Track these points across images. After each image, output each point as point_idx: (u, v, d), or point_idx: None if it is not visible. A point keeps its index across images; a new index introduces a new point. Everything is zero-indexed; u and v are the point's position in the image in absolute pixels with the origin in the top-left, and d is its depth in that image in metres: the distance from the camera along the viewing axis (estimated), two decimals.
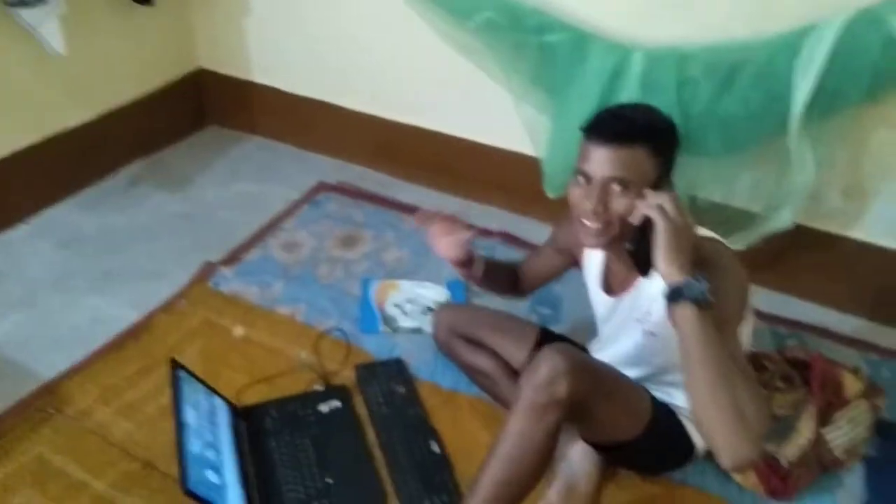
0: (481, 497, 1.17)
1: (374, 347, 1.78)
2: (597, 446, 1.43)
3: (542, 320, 1.85)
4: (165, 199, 2.37)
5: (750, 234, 1.84)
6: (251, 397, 1.62)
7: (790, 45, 1.56)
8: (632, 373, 1.35)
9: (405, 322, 1.85)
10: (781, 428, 1.48)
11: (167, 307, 1.88)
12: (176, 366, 1.41)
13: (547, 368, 1.15)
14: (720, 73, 1.65)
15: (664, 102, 1.72)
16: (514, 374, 1.56)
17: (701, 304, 1.02)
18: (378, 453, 1.51)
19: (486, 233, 2.20)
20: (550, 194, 2.02)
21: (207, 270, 2.00)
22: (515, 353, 1.57)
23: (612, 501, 1.44)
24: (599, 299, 1.40)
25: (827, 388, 1.54)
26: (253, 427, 1.53)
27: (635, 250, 1.14)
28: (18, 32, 1.98)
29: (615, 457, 1.45)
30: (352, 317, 1.88)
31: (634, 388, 1.33)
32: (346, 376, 1.69)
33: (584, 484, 1.41)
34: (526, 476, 1.18)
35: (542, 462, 1.19)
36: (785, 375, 1.57)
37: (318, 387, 1.64)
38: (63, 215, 2.27)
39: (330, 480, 1.43)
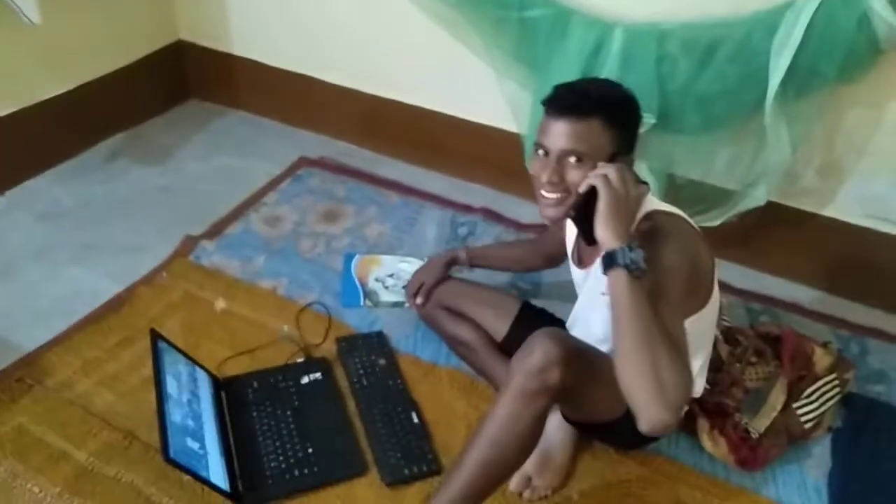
0: (465, 477, 1.18)
1: (356, 321, 1.80)
2: (575, 424, 1.46)
3: (522, 294, 1.87)
4: (145, 172, 2.35)
5: (725, 211, 1.87)
6: (232, 369, 1.63)
7: (767, 23, 1.58)
8: (605, 347, 1.37)
9: (386, 296, 1.86)
10: (753, 400, 1.52)
11: (148, 280, 1.88)
12: (156, 336, 1.42)
13: (540, 355, 1.16)
14: (698, 50, 1.67)
15: (643, 78, 1.74)
16: (495, 345, 1.59)
17: (632, 271, 1.05)
18: (358, 423, 1.53)
19: (468, 209, 2.22)
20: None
21: (188, 244, 2.00)
22: (497, 324, 1.60)
23: (586, 471, 1.47)
24: (574, 272, 1.43)
25: (797, 361, 1.58)
26: (234, 398, 1.54)
27: (577, 218, 1.17)
28: None
29: (591, 433, 1.48)
30: (333, 291, 1.89)
31: None
32: (327, 349, 1.71)
33: (559, 454, 1.44)
34: (511, 458, 1.20)
35: (528, 445, 1.21)
36: (757, 350, 1.61)
37: (300, 359, 1.66)
38: (42, 188, 2.24)
39: (311, 449, 1.45)
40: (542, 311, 1.63)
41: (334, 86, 2.43)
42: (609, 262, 1.08)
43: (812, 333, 1.73)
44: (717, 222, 1.87)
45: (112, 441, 1.46)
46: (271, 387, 1.57)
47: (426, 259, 1.97)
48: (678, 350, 1.05)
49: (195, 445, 1.32)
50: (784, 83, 1.60)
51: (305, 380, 1.59)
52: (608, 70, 1.77)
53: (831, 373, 1.59)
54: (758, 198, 1.80)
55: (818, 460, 1.53)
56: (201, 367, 1.53)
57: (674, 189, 1.94)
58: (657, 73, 1.73)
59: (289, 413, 1.52)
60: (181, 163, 2.41)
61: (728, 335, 1.64)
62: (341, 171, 2.38)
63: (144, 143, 2.50)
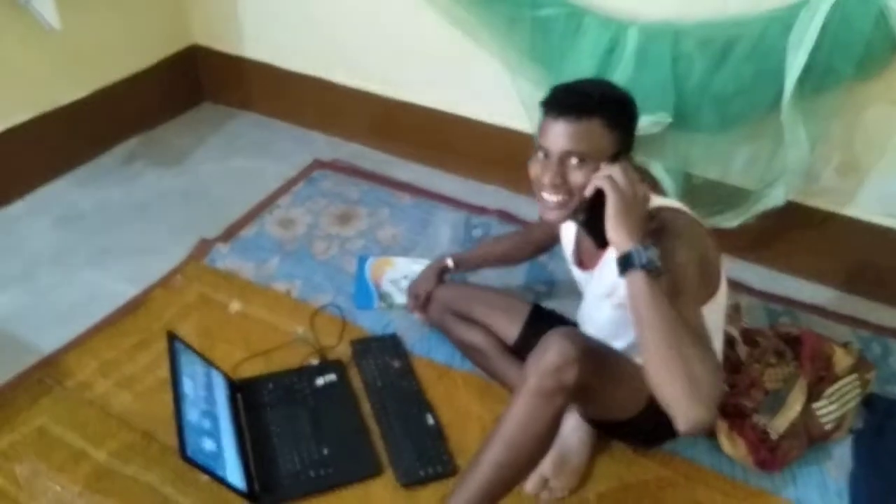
0: (481, 477, 1.17)
1: (370, 323, 1.80)
2: (592, 422, 1.45)
3: (538, 297, 1.87)
4: (161, 175, 2.37)
5: (743, 212, 1.86)
6: (247, 371, 1.63)
7: (783, 21, 1.57)
8: (615, 345, 1.36)
9: (401, 298, 1.86)
10: (772, 401, 1.51)
11: (163, 283, 1.89)
12: (173, 338, 1.43)
13: (555, 354, 1.15)
14: (714, 49, 1.66)
15: (659, 78, 1.73)
16: (506, 349, 1.59)
17: (649, 270, 1.05)
18: (373, 425, 1.53)
19: (482, 210, 2.21)
20: None
21: (203, 247, 2.01)
22: (507, 329, 1.59)
23: (603, 473, 1.46)
24: (575, 273, 1.42)
25: (817, 362, 1.57)
26: (249, 399, 1.55)
27: (586, 221, 1.16)
28: (12, 7, 1.97)
29: (609, 432, 1.47)
30: (347, 293, 1.89)
31: (636, 369, 1.34)
32: (342, 351, 1.71)
33: (576, 455, 1.44)
34: (527, 459, 1.19)
35: (544, 446, 1.20)
36: (777, 350, 1.59)
37: (314, 361, 1.66)
38: (60, 192, 2.27)
39: (326, 451, 1.45)
40: (553, 313, 1.63)
41: (347, 88, 2.44)
42: (625, 265, 1.07)
43: (833, 334, 1.71)
44: (735, 223, 1.86)
45: (130, 441, 1.47)
46: (286, 388, 1.58)
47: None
48: (705, 345, 1.05)
49: (211, 445, 1.32)
50: (801, 81, 1.58)
51: (320, 381, 1.60)
52: (623, 69, 1.77)
53: (852, 373, 1.57)
54: (776, 198, 1.78)
55: (839, 462, 1.51)
56: (217, 368, 1.53)
57: (690, 189, 1.93)
58: (673, 73, 1.72)
59: (304, 414, 1.52)
60: (196, 165, 2.43)
61: (747, 336, 1.63)
62: (354, 174, 2.39)
63: (159, 146, 2.52)
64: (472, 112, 2.26)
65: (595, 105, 1.13)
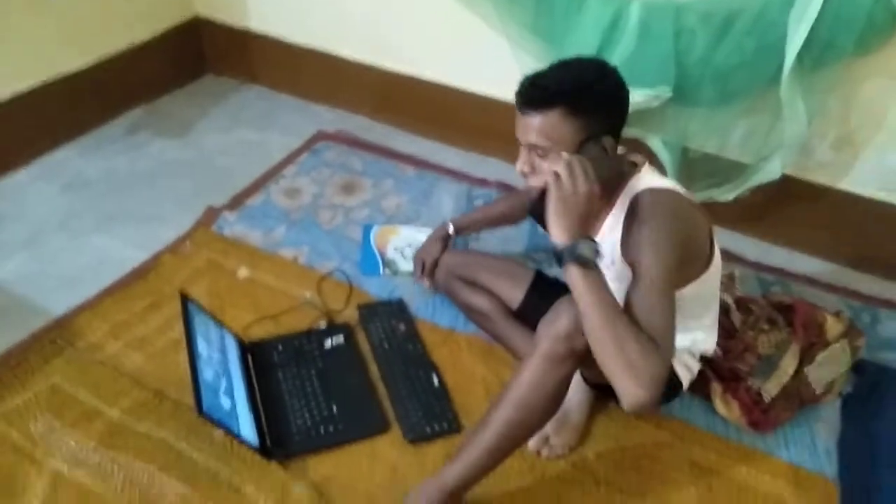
0: (490, 436, 1.22)
1: (375, 289, 1.84)
2: (591, 384, 1.50)
3: (537, 264, 1.90)
4: (166, 145, 2.39)
5: (739, 185, 1.90)
6: (257, 333, 1.67)
7: None
8: None
9: (405, 265, 1.90)
10: (765, 365, 1.56)
11: (172, 249, 1.92)
12: (186, 299, 1.46)
13: (568, 321, 1.18)
14: (715, 23, 1.68)
15: (661, 52, 1.76)
16: (510, 313, 1.63)
17: (584, 264, 1.09)
18: (380, 386, 1.57)
19: (483, 182, 2.25)
20: None
21: (211, 214, 2.04)
22: (511, 293, 1.63)
23: (602, 433, 1.51)
24: None
25: (810, 329, 1.62)
26: (260, 360, 1.59)
27: (532, 210, 1.19)
28: None
29: (609, 393, 1.52)
30: (353, 260, 1.93)
31: None
32: (349, 315, 1.75)
33: (576, 414, 1.49)
34: (535, 419, 1.24)
35: (552, 407, 1.24)
36: (769, 318, 1.65)
37: (322, 324, 1.70)
38: (65, 159, 2.28)
39: (335, 409, 1.50)
40: (556, 281, 1.67)
41: (350, 61, 2.46)
42: (559, 257, 1.12)
43: (823, 303, 1.76)
44: (731, 196, 1.90)
45: (143, 399, 1.51)
46: (296, 350, 1.62)
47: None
48: (655, 330, 1.07)
49: (226, 402, 1.36)
50: (801, 56, 1.61)
51: (328, 344, 1.64)
52: (625, 44, 1.79)
53: (842, 340, 1.62)
54: (772, 171, 1.82)
55: (829, 423, 1.56)
56: (228, 330, 1.57)
57: (688, 163, 1.97)
58: (674, 47, 1.74)
59: (313, 374, 1.56)
60: (200, 136, 2.45)
61: (741, 304, 1.68)
62: (357, 145, 2.41)
63: (163, 116, 2.54)
64: (474, 85, 2.28)
65: (552, 97, 1.13)
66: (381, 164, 2.32)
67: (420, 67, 2.35)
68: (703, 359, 1.49)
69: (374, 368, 1.62)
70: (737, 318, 1.64)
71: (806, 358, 1.58)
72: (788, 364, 1.56)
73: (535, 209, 1.18)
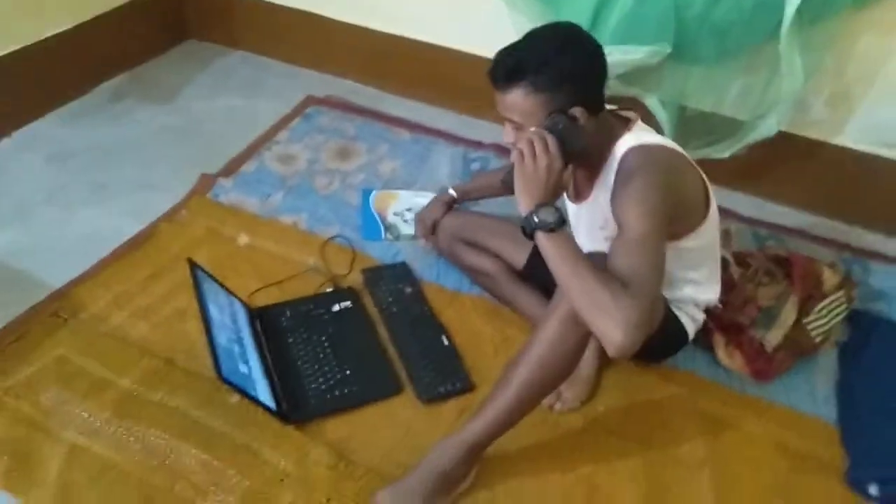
0: (511, 394, 1.24)
1: (378, 254, 1.83)
2: None
3: None
4: (151, 112, 2.33)
5: (735, 142, 1.92)
6: (262, 300, 1.66)
7: None
8: None
9: (406, 229, 1.90)
10: (765, 317, 1.60)
11: (168, 217, 1.89)
12: (193, 265, 1.45)
13: None
14: None
15: (660, 9, 1.75)
16: (514, 274, 1.64)
17: (547, 229, 1.13)
18: (390, 348, 1.58)
19: (479, 144, 2.24)
20: None
21: (206, 181, 2.01)
22: (515, 254, 1.64)
23: (611, 385, 1.55)
24: (567, 206, 1.48)
25: (808, 281, 1.66)
26: (268, 326, 1.58)
27: (507, 182, 1.23)
28: None
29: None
30: (353, 225, 1.92)
31: None
32: (354, 279, 1.74)
33: (586, 367, 1.51)
34: (554, 377, 1.26)
35: (571, 365, 1.27)
36: (767, 271, 1.68)
37: (328, 289, 1.70)
38: (48, 129, 2.22)
39: (348, 371, 1.50)
40: None
41: (338, 22, 2.41)
42: (524, 224, 1.17)
43: (817, 256, 1.81)
44: (727, 153, 1.92)
45: (154, 368, 1.49)
46: (304, 315, 1.61)
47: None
48: (632, 276, 1.09)
49: (242, 367, 1.36)
50: (800, 10, 1.62)
51: (336, 308, 1.64)
52: (622, 2, 1.78)
53: (839, 291, 1.67)
54: (769, 128, 1.84)
55: (826, 371, 1.62)
56: (235, 296, 1.56)
57: (684, 121, 1.98)
58: (674, 3, 1.74)
59: (324, 338, 1.56)
60: (186, 102, 2.39)
61: (739, 258, 1.71)
62: (349, 110, 2.38)
63: (147, 83, 2.47)
64: (468, 46, 2.25)
65: (512, 75, 1.17)
66: (374, 129, 2.30)
67: (411, 28, 2.31)
68: (706, 311, 1.52)
69: (382, 331, 1.62)
70: (736, 271, 1.68)
71: (804, 309, 1.63)
72: (788, 315, 1.60)
73: (509, 181, 1.23)
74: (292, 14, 2.46)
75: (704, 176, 1.32)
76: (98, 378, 1.47)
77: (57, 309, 1.61)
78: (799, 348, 1.61)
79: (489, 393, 1.28)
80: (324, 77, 2.54)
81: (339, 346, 1.55)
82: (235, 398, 1.41)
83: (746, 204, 2.06)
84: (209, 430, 1.39)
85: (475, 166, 2.16)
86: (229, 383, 1.27)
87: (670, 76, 1.90)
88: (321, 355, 1.53)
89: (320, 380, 1.48)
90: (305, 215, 1.93)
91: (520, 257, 1.64)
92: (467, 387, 1.50)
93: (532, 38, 1.22)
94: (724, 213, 1.93)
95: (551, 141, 1.17)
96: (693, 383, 1.57)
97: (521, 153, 1.17)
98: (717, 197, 1.34)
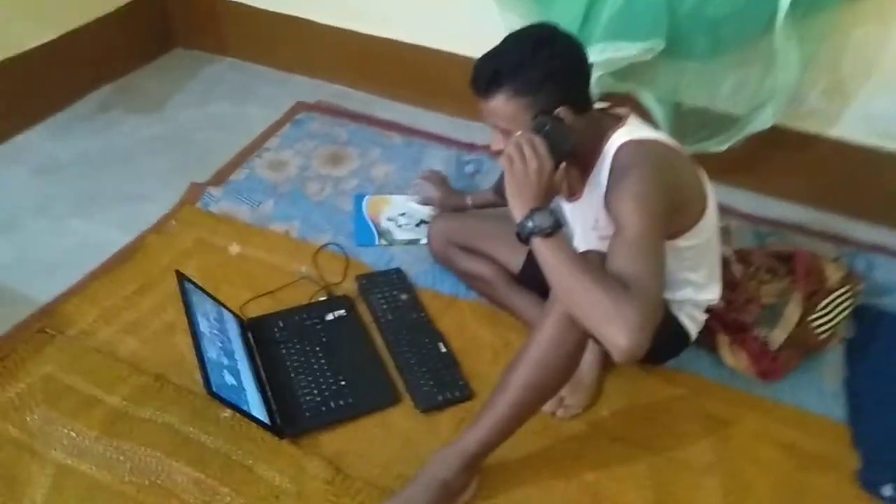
0: (510, 398, 1.20)
1: (372, 260, 1.80)
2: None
3: None
4: (139, 122, 2.29)
5: (730, 136, 1.88)
6: (255, 311, 1.62)
7: None
8: None
9: (401, 234, 1.86)
10: (769, 315, 1.57)
11: (157, 228, 1.85)
12: (182, 277, 1.41)
13: None
14: None
15: (652, 4, 1.72)
16: (511, 278, 1.61)
17: (543, 234, 1.10)
18: (386, 356, 1.54)
19: (472, 147, 2.21)
20: None
21: (195, 191, 1.97)
22: (511, 258, 1.60)
23: (614, 390, 1.51)
24: (565, 208, 1.44)
25: (812, 277, 1.63)
26: (261, 337, 1.54)
27: (498, 189, 1.20)
28: None
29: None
30: (346, 232, 1.88)
31: None
32: (348, 287, 1.71)
33: (588, 373, 1.48)
34: (554, 380, 1.23)
35: (570, 368, 1.23)
36: (769, 268, 1.65)
37: (322, 297, 1.66)
38: (34, 141, 2.18)
39: (343, 382, 1.46)
40: None
41: (326, 26, 2.37)
42: (519, 237, 1.14)
43: (819, 251, 1.77)
44: (722, 148, 1.89)
45: (143, 384, 1.45)
46: (297, 325, 1.57)
47: None
48: (632, 278, 1.06)
49: (232, 380, 1.32)
50: (794, 2, 1.59)
51: (330, 317, 1.60)
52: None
53: (843, 286, 1.64)
54: (764, 121, 1.81)
55: (833, 368, 1.58)
56: (225, 307, 1.52)
57: (679, 116, 1.95)
58: None
59: (318, 349, 1.52)
60: (174, 112, 2.35)
61: (740, 256, 1.68)
62: (340, 115, 2.35)
63: (133, 93, 2.43)
64: (458, 48, 2.22)
65: (491, 83, 1.15)
66: (366, 133, 2.26)
67: (398, 30, 2.28)
68: (708, 311, 1.49)
69: (378, 340, 1.58)
70: (737, 269, 1.64)
71: (809, 305, 1.59)
72: (792, 312, 1.56)
73: (500, 188, 1.18)
74: (280, 19, 2.43)
75: (702, 171, 1.28)
76: (86, 395, 1.43)
77: (44, 325, 1.57)
78: (804, 346, 1.57)
79: (488, 399, 1.24)
80: (313, 82, 2.51)
81: (333, 357, 1.51)
82: (227, 413, 1.37)
83: (745, 200, 2.02)
84: (201, 447, 1.35)
85: (469, 168, 2.12)
86: (219, 398, 1.23)
87: (664, 72, 1.87)
88: (315, 366, 1.49)
89: (315, 392, 1.44)
90: (297, 222, 1.90)
91: (516, 261, 1.60)
92: (466, 395, 1.47)
93: (507, 42, 1.19)
94: (722, 209, 1.89)
95: (539, 143, 1.14)
96: (697, 385, 1.53)
97: (510, 158, 1.14)
98: (715, 193, 1.31)
